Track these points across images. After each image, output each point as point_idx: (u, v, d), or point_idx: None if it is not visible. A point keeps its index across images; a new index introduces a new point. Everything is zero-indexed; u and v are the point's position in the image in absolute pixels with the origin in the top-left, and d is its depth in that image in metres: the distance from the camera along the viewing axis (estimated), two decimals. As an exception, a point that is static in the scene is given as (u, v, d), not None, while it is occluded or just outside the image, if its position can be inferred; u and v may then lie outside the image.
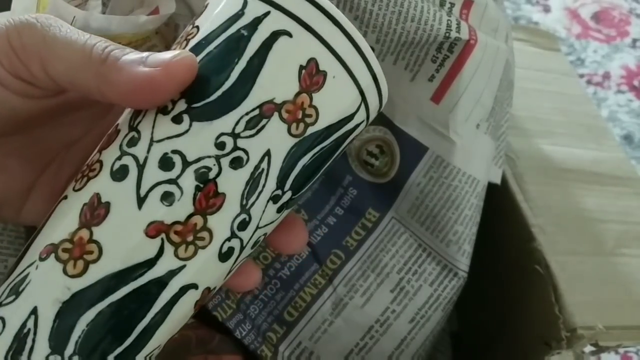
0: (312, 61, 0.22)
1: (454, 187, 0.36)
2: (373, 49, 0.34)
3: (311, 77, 0.22)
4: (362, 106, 0.24)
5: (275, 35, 0.21)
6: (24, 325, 0.20)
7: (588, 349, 0.35)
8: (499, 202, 0.40)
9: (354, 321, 0.36)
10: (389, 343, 0.37)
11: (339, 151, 0.24)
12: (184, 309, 0.22)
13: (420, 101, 0.35)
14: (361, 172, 0.38)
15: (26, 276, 0.21)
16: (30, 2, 0.33)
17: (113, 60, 0.21)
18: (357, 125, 0.24)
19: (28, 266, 0.21)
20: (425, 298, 0.37)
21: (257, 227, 0.22)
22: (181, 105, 0.21)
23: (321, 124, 0.22)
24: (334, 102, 0.23)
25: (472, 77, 0.35)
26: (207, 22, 0.23)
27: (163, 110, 0.21)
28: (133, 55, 0.21)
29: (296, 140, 0.22)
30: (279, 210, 0.23)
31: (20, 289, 0.20)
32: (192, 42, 0.22)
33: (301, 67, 0.22)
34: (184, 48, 0.22)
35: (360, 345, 0.37)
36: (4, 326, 0.20)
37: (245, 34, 0.22)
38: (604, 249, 0.38)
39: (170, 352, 0.27)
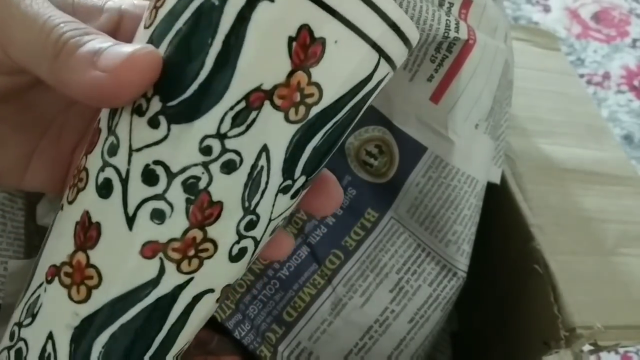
0: (304, 29, 0.18)
1: (453, 187, 0.36)
2: None
3: (305, 49, 0.18)
4: (381, 61, 0.20)
5: (252, 3, 0.17)
6: (44, 349, 0.20)
7: (587, 348, 0.35)
8: (499, 202, 0.40)
9: (353, 321, 0.36)
10: (388, 343, 0.37)
11: (360, 114, 0.21)
12: (203, 312, 0.21)
13: (419, 101, 0.35)
14: (360, 172, 0.38)
15: (38, 298, 0.20)
16: None
17: (66, 56, 0.19)
18: (380, 81, 0.21)
19: (38, 287, 0.20)
20: (424, 298, 0.37)
21: (270, 220, 0.20)
22: (156, 105, 0.18)
23: (327, 100, 0.19)
24: (341, 71, 0.19)
25: (471, 77, 0.34)
26: None
27: (138, 111, 0.19)
28: (88, 47, 0.18)
29: (297, 126, 0.19)
30: (294, 196, 0.21)
31: (35, 311, 0.20)
32: (160, 15, 0.19)
33: (291, 39, 0.18)
34: (152, 21, 0.19)
35: (360, 345, 0.37)
36: (27, 349, 0.20)
37: (216, 3, 0.18)
38: (603, 249, 0.38)
39: None
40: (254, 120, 0.18)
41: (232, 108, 0.18)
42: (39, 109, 0.25)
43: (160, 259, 0.19)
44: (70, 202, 0.20)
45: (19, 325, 0.20)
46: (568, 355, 0.34)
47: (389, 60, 0.20)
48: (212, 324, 0.36)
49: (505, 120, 0.40)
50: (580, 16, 0.99)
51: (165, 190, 0.18)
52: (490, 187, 0.38)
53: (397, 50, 0.20)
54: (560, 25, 0.97)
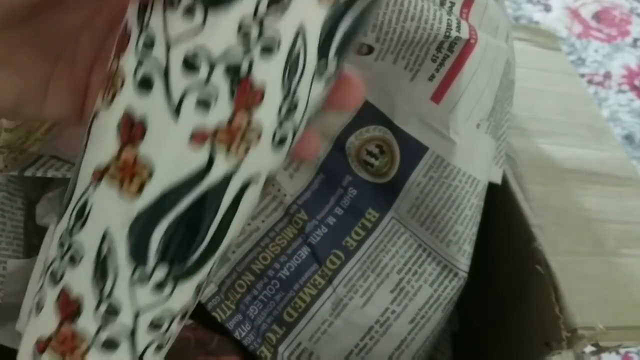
0: None
1: (454, 187, 0.36)
2: (373, 48, 0.34)
3: None
4: None
5: None
6: (100, 249, 0.20)
7: (588, 349, 0.35)
8: (500, 202, 0.40)
9: (354, 322, 0.36)
10: (389, 343, 0.36)
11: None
12: (249, 202, 0.21)
13: (421, 101, 0.35)
14: (361, 172, 0.38)
15: (86, 202, 0.20)
16: None
17: None
18: None
19: (83, 192, 0.20)
20: (425, 298, 0.37)
21: (307, 106, 0.20)
22: None
23: None
24: None
25: (472, 76, 0.34)
26: None
27: (170, 2, 0.19)
28: None
29: (330, 5, 0.19)
30: (328, 82, 0.21)
31: (85, 215, 0.20)
32: None
33: None
34: None
35: (360, 345, 0.36)
36: (82, 252, 0.20)
37: None
38: (604, 249, 0.38)
39: (169, 354, 0.27)
40: (289, 2, 0.18)
41: None
42: (52, 32, 0.24)
43: (209, 146, 0.19)
44: (107, 107, 0.20)
45: (69, 231, 0.20)
46: (570, 356, 0.34)
47: None
48: (212, 325, 0.36)
49: (507, 120, 0.40)
50: (581, 15, 0.99)
51: (207, 78, 0.19)
52: (491, 187, 0.38)
53: None
54: (561, 24, 0.97)
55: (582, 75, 0.88)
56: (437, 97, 0.35)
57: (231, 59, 0.19)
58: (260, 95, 0.19)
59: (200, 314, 0.36)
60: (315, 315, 0.36)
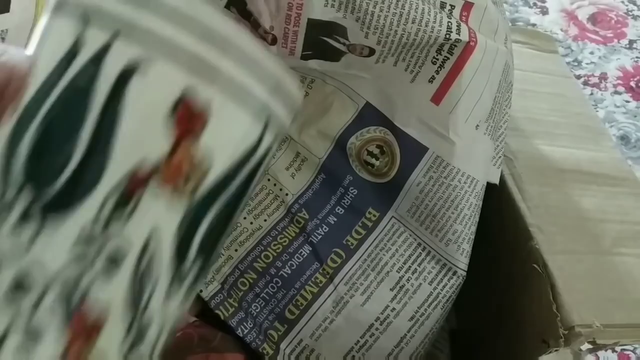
0: (184, 98, 0.16)
1: (454, 187, 0.36)
2: (374, 50, 0.35)
3: (187, 120, 0.16)
4: (267, 127, 0.19)
5: (124, 78, 0.16)
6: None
7: (585, 346, 0.35)
8: (497, 202, 0.41)
9: (355, 319, 0.37)
10: (389, 341, 0.37)
11: (252, 186, 0.19)
12: None
13: (421, 102, 0.36)
14: (361, 172, 0.39)
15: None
16: (28, 2, 0.33)
17: None
18: (266, 153, 0.19)
19: None
20: (424, 296, 0.37)
21: (164, 323, 0.18)
22: (27, 195, 0.16)
23: (214, 175, 0.17)
24: (226, 142, 0.17)
25: (472, 78, 0.35)
26: (38, 66, 0.17)
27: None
28: None
29: (186, 204, 0.17)
30: (191, 289, 0.18)
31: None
32: (29, 92, 0.17)
33: (171, 111, 0.16)
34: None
35: (361, 342, 0.37)
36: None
37: (85, 83, 0.16)
38: (601, 248, 0.39)
39: (171, 351, 0.26)
40: (136, 207, 0.16)
41: (112, 192, 0.16)
42: None
43: None
44: None
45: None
46: (567, 353, 0.34)
47: (273, 126, 0.19)
48: (215, 322, 0.37)
49: (505, 121, 0.40)
50: (577, 18, 1.00)
51: (37, 303, 0.15)
52: (489, 187, 0.39)
53: (281, 115, 0.19)
54: (558, 27, 0.98)
55: (578, 77, 0.89)
56: (437, 98, 0.35)
57: (67, 277, 0.15)
58: (102, 322, 0.16)
59: (203, 311, 0.37)
60: (316, 312, 0.37)
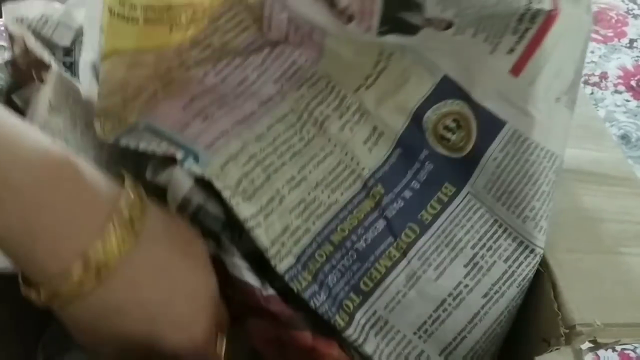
0: None
1: (532, 163, 0.35)
2: (452, 23, 0.34)
3: None
4: None
5: None
6: None
7: (586, 345, 0.35)
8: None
9: (428, 294, 0.37)
10: (462, 317, 0.37)
11: None
12: None
13: (499, 74, 0.35)
14: (437, 147, 0.38)
15: None
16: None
17: None
18: None
19: None
20: (499, 274, 0.37)
21: None
22: None
23: None
24: None
25: (553, 49, 0.34)
26: None
27: None
28: None
29: None
30: None
31: None
32: None
33: None
34: None
35: (434, 317, 0.37)
36: None
37: None
38: (602, 247, 0.38)
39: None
40: None
41: None
42: None
43: None
44: None
45: None
46: (568, 352, 0.34)
47: None
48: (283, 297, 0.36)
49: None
50: (578, 17, 0.99)
51: None
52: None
53: None
54: (557, 26, 0.97)
55: (579, 76, 0.89)
56: (516, 70, 0.34)
57: None
58: None
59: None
60: (390, 286, 0.37)
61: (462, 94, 0.37)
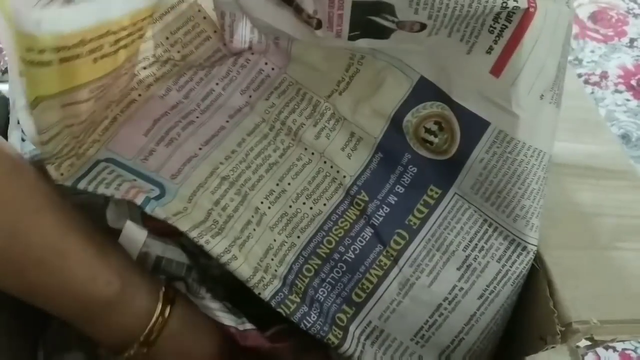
0: None
1: (519, 162, 0.35)
2: (425, 26, 0.33)
3: None
4: None
5: None
6: None
7: (583, 343, 0.34)
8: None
9: (422, 300, 0.36)
10: (459, 319, 0.37)
11: None
12: None
13: (479, 75, 0.34)
14: (420, 150, 0.37)
15: None
16: None
17: None
18: None
19: None
20: (493, 274, 0.36)
21: None
22: None
23: None
24: None
25: (533, 46, 0.33)
26: None
27: None
28: None
29: None
30: None
31: None
32: None
33: None
34: None
35: (430, 322, 0.37)
36: None
37: None
38: (599, 243, 0.38)
39: None
40: None
41: None
42: None
43: None
44: None
45: None
46: (564, 350, 0.34)
47: None
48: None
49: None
50: (578, 16, 0.99)
51: None
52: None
53: None
54: (558, 25, 0.97)
55: (579, 75, 0.88)
56: (496, 70, 0.34)
57: None
58: None
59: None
60: (383, 295, 0.37)
61: (441, 96, 0.36)
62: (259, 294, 0.34)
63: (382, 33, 0.34)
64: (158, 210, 0.32)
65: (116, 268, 0.31)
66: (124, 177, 0.33)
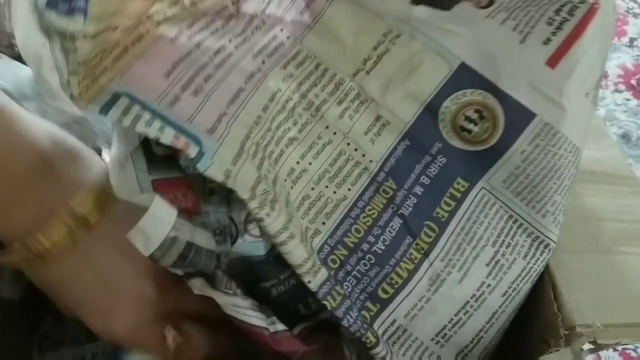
0: None
1: (560, 156, 0.35)
2: (493, 2, 0.33)
3: None
4: None
5: None
6: None
7: (586, 346, 0.35)
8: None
9: (451, 296, 0.35)
10: (482, 317, 0.36)
11: None
12: None
13: (533, 65, 0.34)
14: (452, 139, 0.36)
15: None
16: None
17: None
18: None
19: None
20: (518, 271, 0.36)
21: None
22: None
23: None
24: None
25: (591, 43, 0.33)
26: None
27: None
28: None
29: None
30: None
31: None
32: None
33: None
34: None
35: (454, 320, 0.35)
36: None
37: None
38: (602, 247, 0.39)
39: None
40: None
41: None
42: None
43: None
44: None
45: None
46: (568, 353, 0.34)
47: None
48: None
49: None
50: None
51: None
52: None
53: None
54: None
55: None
56: (553, 61, 0.33)
57: None
58: None
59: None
60: (412, 291, 0.35)
61: (484, 84, 0.35)
62: (309, 282, 0.31)
63: (445, 3, 0.33)
64: (214, 169, 0.28)
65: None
66: (158, 119, 0.28)
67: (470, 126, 0.36)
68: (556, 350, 0.34)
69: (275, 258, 0.32)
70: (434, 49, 0.36)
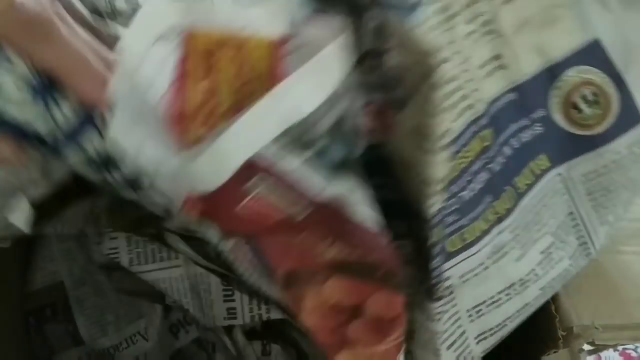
0: None
1: None
2: None
3: None
4: None
5: None
6: None
7: (585, 347, 0.35)
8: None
9: (505, 273, 0.33)
10: (516, 304, 0.34)
11: None
12: None
13: None
14: (556, 113, 0.33)
15: None
16: None
17: None
18: None
19: None
20: (561, 270, 0.34)
21: None
22: None
23: None
24: None
25: None
26: None
27: None
28: None
29: None
30: None
31: None
32: None
33: None
34: None
35: (495, 298, 0.33)
36: None
37: None
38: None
39: None
40: None
41: None
42: None
43: None
44: None
45: None
46: (566, 354, 0.35)
47: None
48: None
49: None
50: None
51: None
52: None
53: None
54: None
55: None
56: None
57: None
58: None
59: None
60: (477, 253, 0.32)
61: (611, 70, 0.33)
62: (433, 204, 0.28)
63: None
64: None
65: None
66: None
67: (583, 106, 0.34)
68: (554, 352, 0.34)
69: None
70: (577, 11, 0.33)
